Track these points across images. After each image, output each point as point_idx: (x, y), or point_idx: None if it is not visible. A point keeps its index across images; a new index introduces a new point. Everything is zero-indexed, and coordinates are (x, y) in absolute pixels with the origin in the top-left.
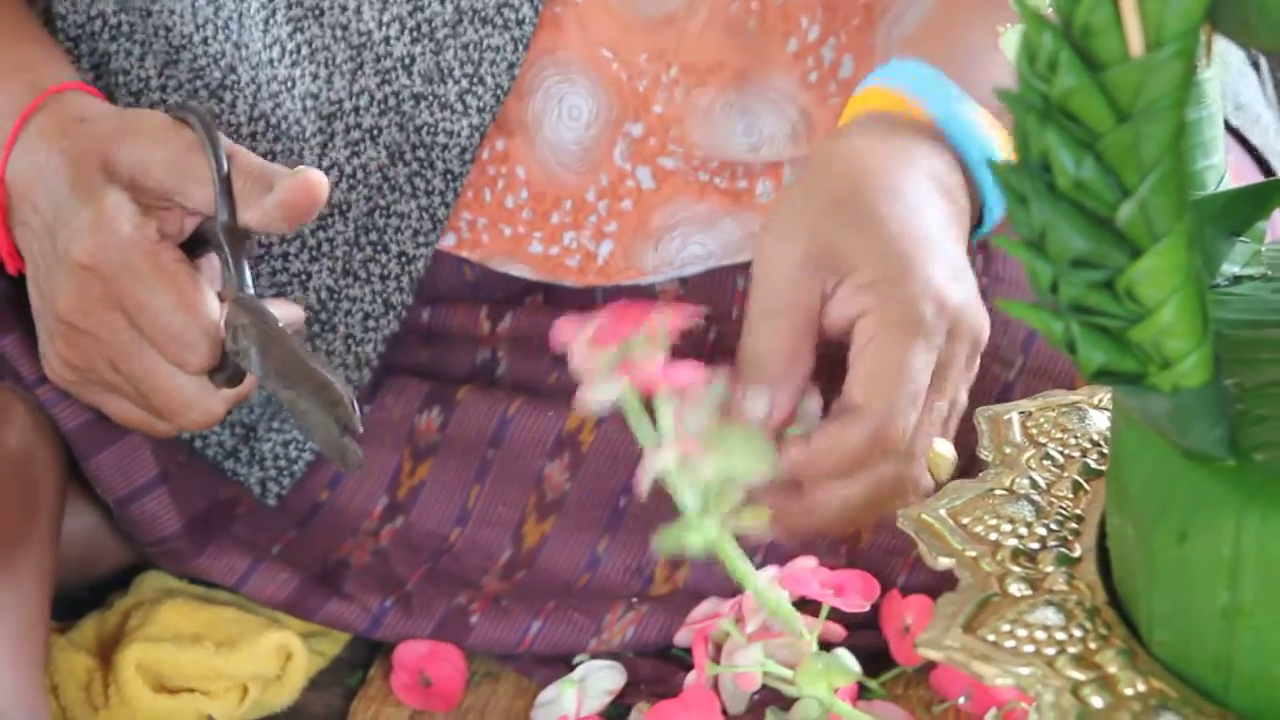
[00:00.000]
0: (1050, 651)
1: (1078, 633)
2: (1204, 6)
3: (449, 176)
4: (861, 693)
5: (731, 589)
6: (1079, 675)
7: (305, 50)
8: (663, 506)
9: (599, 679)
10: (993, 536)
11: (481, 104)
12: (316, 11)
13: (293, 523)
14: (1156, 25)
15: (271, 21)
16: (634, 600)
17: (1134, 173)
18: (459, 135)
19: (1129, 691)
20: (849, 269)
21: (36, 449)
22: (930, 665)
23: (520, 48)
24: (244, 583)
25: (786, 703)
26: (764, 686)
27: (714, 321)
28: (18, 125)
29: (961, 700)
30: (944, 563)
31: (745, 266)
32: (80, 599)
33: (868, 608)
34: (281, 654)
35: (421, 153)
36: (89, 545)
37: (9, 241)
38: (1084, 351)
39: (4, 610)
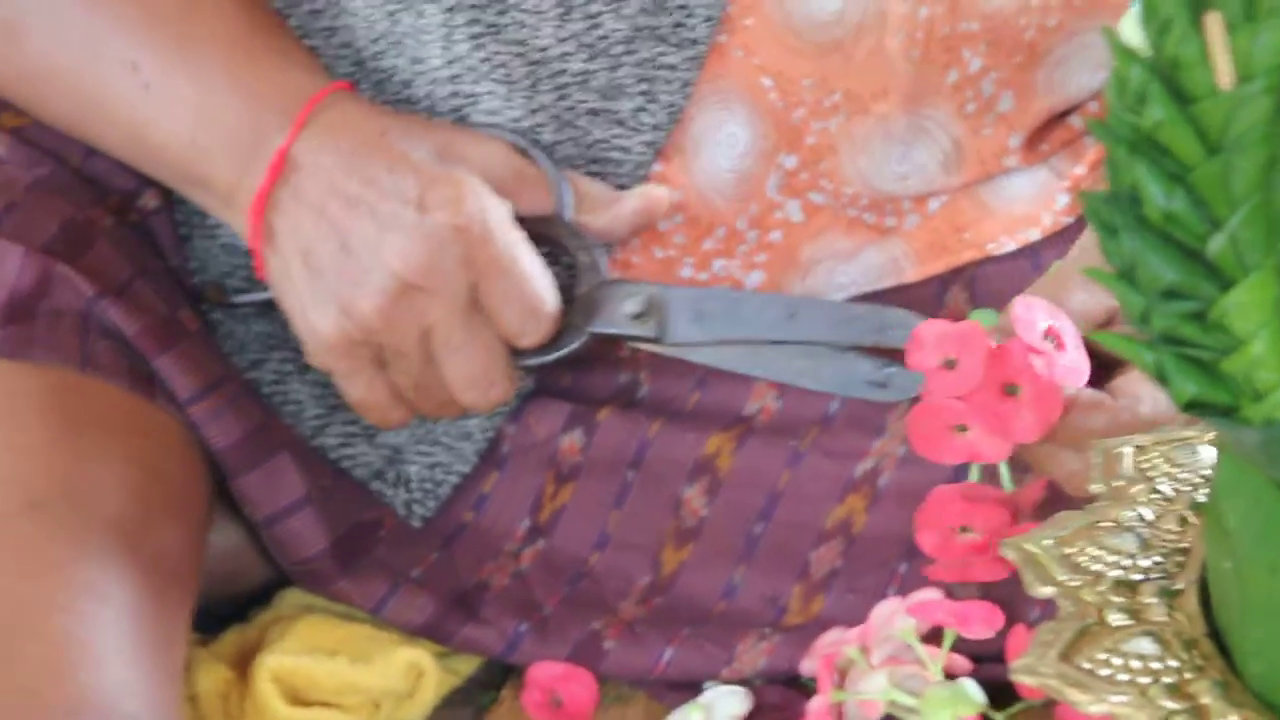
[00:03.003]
0: (1145, 680)
1: (1174, 663)
2: None
3: None
4: None
5: (864, 620)
6: (1172, 705)
7: (485, 68)
8: (797, 536)
9: (725, 705)
10: (1095, 567)
11: (655, 121)
12: (495, 29)
13: (435, 545)
14: (1245, 59)
15: (451, 39)
16: (767, 630)
17: (1224, 205)
18: (632, 151)
19: None
20: None
21: (187, 467)
22: (1054, 700)
23: (695, 67)
24: (382, 607)
25: None
26: (888, 715)
27: None
28: (319, 96)
29: None
30: (1045, 591)
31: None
32: (223, 613)
33: (992, 635)
34: (414, 671)
35: (596, 168)
36: (233, 562)
37: (265, 204)
38: (1176, 382)
39: (147, 621)
